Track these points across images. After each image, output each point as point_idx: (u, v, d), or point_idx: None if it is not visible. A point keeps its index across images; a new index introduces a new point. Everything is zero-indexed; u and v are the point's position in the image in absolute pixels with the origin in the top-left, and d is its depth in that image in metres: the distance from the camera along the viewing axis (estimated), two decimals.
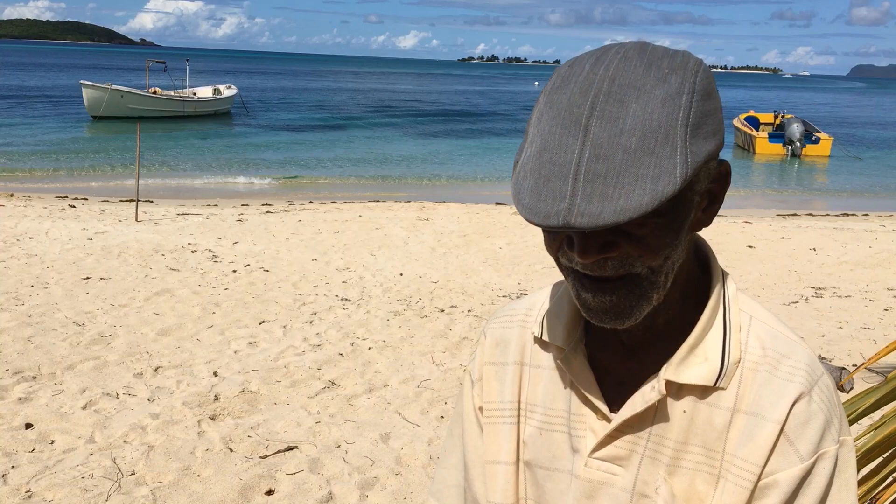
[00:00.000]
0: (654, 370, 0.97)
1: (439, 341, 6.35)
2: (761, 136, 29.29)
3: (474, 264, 9.67)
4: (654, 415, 0.96)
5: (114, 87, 31.89)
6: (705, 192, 0.92)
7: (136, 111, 30.81)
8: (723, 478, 0.93)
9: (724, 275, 1.00)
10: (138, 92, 32.68)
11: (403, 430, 4.64)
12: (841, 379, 5.10)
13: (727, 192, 0.95)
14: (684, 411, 0.95)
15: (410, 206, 15.18)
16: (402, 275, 8.83)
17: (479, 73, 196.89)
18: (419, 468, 4.17)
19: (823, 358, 6.16)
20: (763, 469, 0.91)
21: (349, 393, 5.19)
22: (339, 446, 4.40)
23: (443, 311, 7.30)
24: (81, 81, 31.76)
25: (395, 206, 15.33)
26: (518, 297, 7.04)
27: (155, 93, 33.83)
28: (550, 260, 10.01)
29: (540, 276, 9.16)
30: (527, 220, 0.82)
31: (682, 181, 0.80)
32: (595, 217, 0.78)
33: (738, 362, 0.94)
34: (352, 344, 6.20)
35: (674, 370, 0.94)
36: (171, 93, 35.00)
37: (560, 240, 0.89)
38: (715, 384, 0.93)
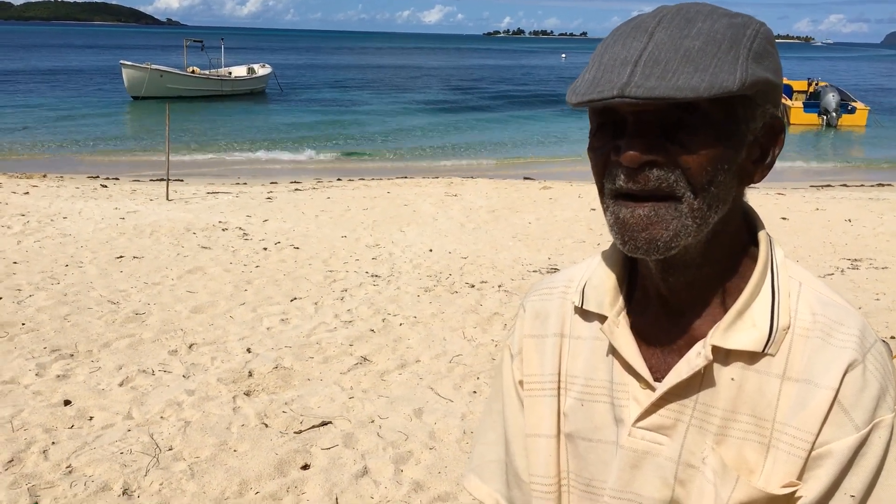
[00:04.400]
0: (699, 337, 0.95)
1: (470, 317, 6.35)
2: (796, 105, 28.77)
3: (503, 239, 9.64)
4: (701, 382, 0.93)
5: (153, 66, 31.78)
6: (757, 141, 0.91)
7: (174, 91, 30.81)
8: (773, 447, 0.91)
9: (772, 241, 0.97)
10: (177, 72, 32.69)
11: (436, 406, 4.65)
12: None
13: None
14: (732, 378, 0.92)
15: (438, 183, 15.14)
16: (431, 251, 8.83)
17: (504, 47, 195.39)
18: (453, 443, 4.18)
19: None
20: (816, 438, 0.89)
21: (381, 368, 5.21)
22: (372, 421, 4.42)
23: (473, 286, 7.29)
24: (122, 62, 31.74)
25: (423, 182, 15.31)
26: (549, 272, 6.94)
27: (193, 72, 33.88)
28: (580, 234, 9.96)
29: (570, 250, 9.11)
30: (578, 102, 0.84)
31: (740, 84, 0.82)
32: (650, 90, 0.80)
33: (788, 328, 0.92)
34: (383, 320, 6.22)
35: (721, 335, 0.92)
36: (208, 72, 35.06)
37: (607, 154, 0.90)
38: (763, 350, 0.91)
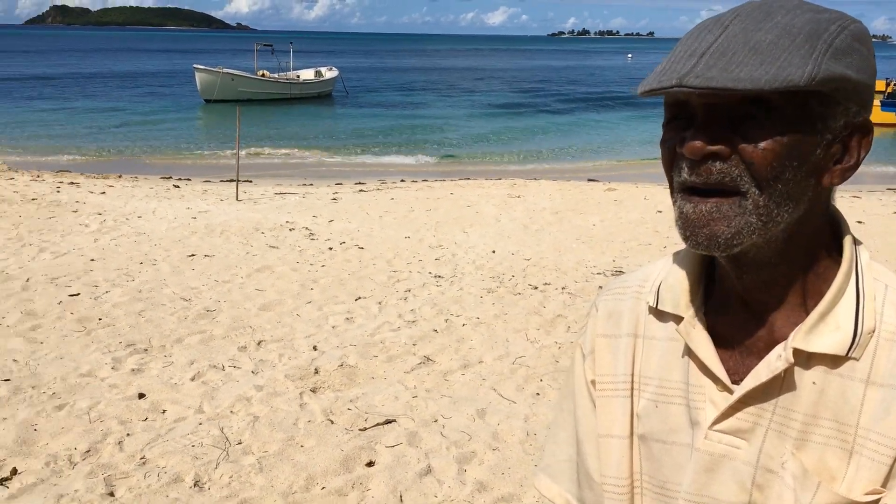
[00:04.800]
0: (778, 338, 0.93)
1: (533, 318, 6.33)
2: (874, 104, 27.85)
3: (567, 241, 9.58)
4: (781, 385, 0.91)
5: (225, 70, 32.36)
6: (839, 140, 0.89)
7: (245, 94, 31.36)
8: (857, 453, 0.89)
9: (857, 243, 0.95)
10: (248, 75, 33.30)
11: (499, 407, 4.65)
12: None
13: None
14: (814, 382, 0.90)
15: (501, 184, 15.13)
16: (494, 252, 8.83)
17: (569, 48, 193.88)
18: (516, 444, 4.18)
19: None
20: None
21: (444, 368, 5.23)
22: (436, 421, 4.45)
23: (536, 288, 7.27)
24: (195, 66, 32.44)
25: (486, 183, 15.32)
26: (614, 275, 6.85)
27: (263, 76, 34.48)
28: (646, 237, 9.83)
29: (636, 253, 9.00)
30: (643, 91, 0.85)
31: (808, 78, 0.80)
32: (708, 80, 0.80)
33: (873, 332, 0.89)
34: (446, 320, 6.25)
35: (803, 338, 0.90)
36: (277, 76, 35.63)
37: (675, 146, 0.89)
38: (847, 354, 0.89)
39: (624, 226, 10.64)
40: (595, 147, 23.66)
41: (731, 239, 0.86)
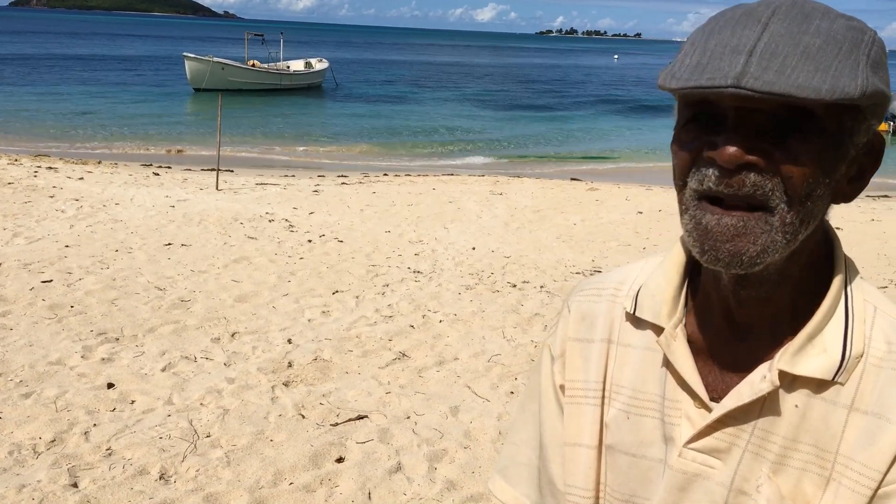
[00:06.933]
0: (762, 357, 0.89)
1: (510, 316, 6.31)
2: None
3: (547, 240, 9.57)
4: (762, 407, 0.88)
5: (215, 59, 31.92)
6: (857, 159, 0.85)
7: (235, 84, 30.96)
8: (835, 480, 0.85)
9: (849, 262, 0.92)
10: (238, 65, 32.92)
11: (473, 404, 4.63)
12: None
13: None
14: (796, 405, 0.87)
15: (484, 181, 15.11)
16: (474, 249, 8.80)
17: (557, 47, 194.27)
18: (488, 443, 4.16)
19: None
20: (885, 476, 0.83)
21: (419, 365, 5.20)
22: (408, 417, 4.42)
23: (515, 286, 7.25)
24: (184, 54, 31.99)
25: (469, 179, 15.29)
26: (593, 274, 6.90)
27: (254, 65, 34.16)
28: (626, 237, 9.85)
29: (615, 253, 9.01)
30: (681, 87, 0.78)
31: (861, 91, 0.76)
32: (769, 84, 0.74)
33: (861, 357, 0.86)
34: (423, 316, 6.21)
35: (789, 360, 0.86)
36: (267, 66, 35.34)
37: (699, 149, 0.82)
38: (833, 378, 0.85)
39: (604, 226, 10.65)
40: (579, 146, 23.68)
41: (756, 257, 0.81)
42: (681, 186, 0.85)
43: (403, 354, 5.38)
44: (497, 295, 6.92)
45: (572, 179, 16.16)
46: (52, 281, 6.52)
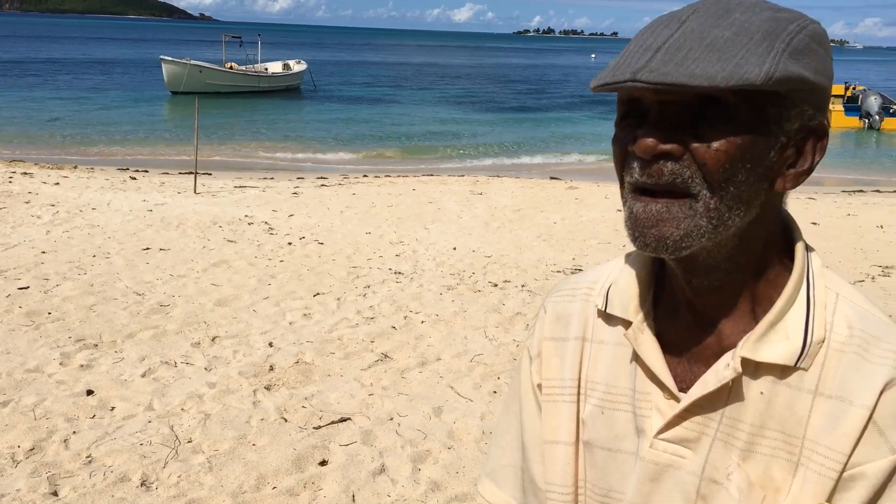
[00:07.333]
0: (727, 346, 0.91)
1: (492, 316, 6.31)
2: (837, 108, 28.54)
3: (528, 239, 9.59)
4: (728, 395, 0.89)
5: (192, 62, 31.66)
6: (793, 143, 0.86)
7: (213, 86, 30.73)
8: (802, 465, 0.87)
9: (809, 250, 0.93)
10: (216, 68, 32.66)
11: (456, 405, 4.62)
12: None
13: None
14: (761, 392, 0.88)
15: (464, 181, 15.12)
16: (455, 249, 8.80)
17: (534, 46, 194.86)
18: (471, 443, 4.16)
19: None
20: (849, 459, 0.84)
21: (402, 366, 5.19)
22: (391, 419, 4.41)
23: (496, 285, 7.26)
24: (161, 57, 31.68)
25: (449, 180, 15.29)
26: (573, 273, 6.88)
27: (231, 68, 33.95)
28: (606, 235, 9.88)
29: (595, 251, 9.04)
30: (596, 86, 0.82)
31: (764, 77, 0.78)
32: (663, 75, 0.78)
33: (823, 342, 0.87)
34: (405, 317, 6.20)
35: (751, 347, 0.87)
36: (245, 68, 35.13)
37: (626, 145, 0.86)
38: (796, 364, 0.87)
39: (584, 224, 10.69)
40: (558, 145, 23.76)
41: (680, 241, 0.84)
42: (620, 181, 0.90)
43: (386, 356, 5.36)
44: (478, 295, 6.93)
45: (552, 178, 16.21)
46: (28, 287, 6.45)
